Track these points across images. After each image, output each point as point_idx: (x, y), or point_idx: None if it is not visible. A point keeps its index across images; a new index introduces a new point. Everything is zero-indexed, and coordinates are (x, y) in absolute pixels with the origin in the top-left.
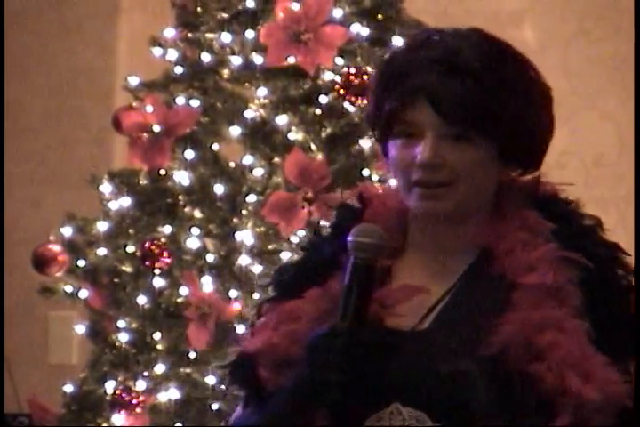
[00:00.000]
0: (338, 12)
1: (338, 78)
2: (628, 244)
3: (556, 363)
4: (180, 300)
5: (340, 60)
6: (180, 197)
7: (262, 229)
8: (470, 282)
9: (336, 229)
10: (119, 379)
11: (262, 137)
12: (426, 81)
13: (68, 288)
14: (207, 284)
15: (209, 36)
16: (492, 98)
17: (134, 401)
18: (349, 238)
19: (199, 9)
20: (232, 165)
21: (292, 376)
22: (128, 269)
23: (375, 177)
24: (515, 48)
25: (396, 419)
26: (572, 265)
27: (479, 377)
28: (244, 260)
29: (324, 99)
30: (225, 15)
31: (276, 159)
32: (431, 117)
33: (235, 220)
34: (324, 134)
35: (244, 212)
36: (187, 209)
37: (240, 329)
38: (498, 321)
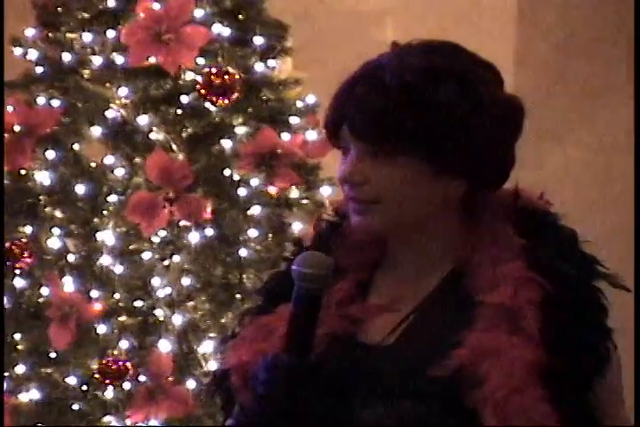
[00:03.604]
0: (199, 13)
1: (199, 78)
2: None
3: (490, 393)
4: (41, 300)
5: (201, 61)
6: (41, 197)
7: (123, 229)
8: (439, 298)
9: (316, 242)
10: None
11: (123, 137)
12: (350, 97)
13: None
14: (68, 284)
15: (70, 35)
16: (410, 115)
17: None
18: (294, 267)
19: (60, 9)
20: (93, 165)
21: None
22: None
23: (236, 177)
24: (473, 66)
25: None
26: (536, 285)
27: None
28: (105, 260)
29: (185, 99)
30: (86, 15)
31: (138, 159)
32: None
33: (96, 220)
34: (185, 134)
35: (105, 212)
36: (47, 209)
37: (101, 329)
38: (455, 340)
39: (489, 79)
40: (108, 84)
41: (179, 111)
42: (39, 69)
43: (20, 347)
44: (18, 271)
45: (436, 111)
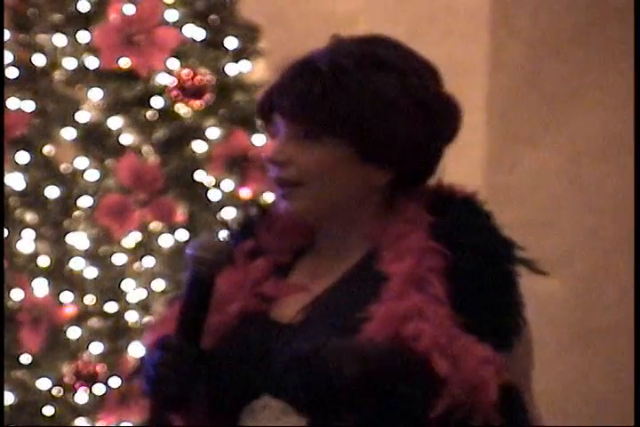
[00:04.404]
0: (171, 14)
1: (171, 81)
2: None
3: (432, 342)
4: (11, 303)
5: (173, 63)
6: (12, 200)
7: (95, 232)
8: (353, 277)
9: (243, 225)
10: None
11: (95, 140)
12: (279, 83)
13: None
14: (39, 287)
15: (42, 37)
16: (338, 98)
17: None
18: (188, 251)
19: (31, 11)
20: (64, 167)
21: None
22: None
23: (209, 179)
24: (411, 60)
25: (263, 411)
26: (438, 254)
27: (342, 349)
28: (76, 263)
29: (156, 101)
30: (57, 17)
31: (109, 162)
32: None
33: (67, 223)
34: (156, 137)
35: (76, 214)
36: (18, 212)
37: (72, 333)
38: (362, 314)
39: (425, 74)
40: (79, 87)
41: (150, 114)
42: (11, 72)
43: None
44: None
45: (366, 97)
